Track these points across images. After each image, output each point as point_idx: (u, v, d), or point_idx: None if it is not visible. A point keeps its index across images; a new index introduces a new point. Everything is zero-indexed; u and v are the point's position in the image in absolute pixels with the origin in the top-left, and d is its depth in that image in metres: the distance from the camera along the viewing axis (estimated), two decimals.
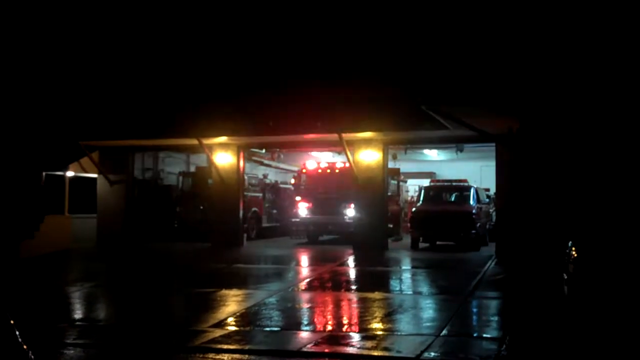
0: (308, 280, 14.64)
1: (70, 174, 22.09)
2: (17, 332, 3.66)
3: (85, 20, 16.96)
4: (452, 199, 22.50)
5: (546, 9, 11.75)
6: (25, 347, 3.66)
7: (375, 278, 14.81)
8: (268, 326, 9.62)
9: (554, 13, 11.66)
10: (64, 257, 19.34)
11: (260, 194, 25.46)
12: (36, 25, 16.75)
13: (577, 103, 12.04)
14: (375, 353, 7.85)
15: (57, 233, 20.40)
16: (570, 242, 9.56)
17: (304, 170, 24.54)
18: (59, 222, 20.87)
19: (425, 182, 25.12)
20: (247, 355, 7.91)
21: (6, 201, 17.85)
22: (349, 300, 12.15)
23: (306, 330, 9.44)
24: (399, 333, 9.05)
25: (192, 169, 26.40)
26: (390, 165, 23.12)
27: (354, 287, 14.17)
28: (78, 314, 11.45)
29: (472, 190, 21.90)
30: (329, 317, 10.82)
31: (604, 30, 11.24)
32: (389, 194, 22.49)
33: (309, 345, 8.27)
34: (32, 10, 16.34)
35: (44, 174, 20.52)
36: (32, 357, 3.70)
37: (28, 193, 19.17)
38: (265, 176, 26.96)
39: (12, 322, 3.67)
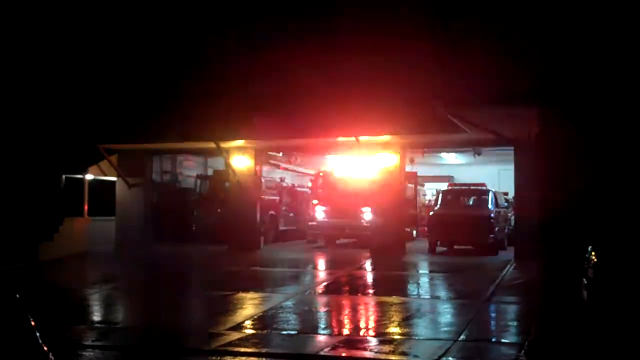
0: (325, 283, 14.62)
1: (89, 176, 22.25)
2: (38, 334, 3.69)
3: (104, 25, 17.10)
4: (470, 202, 22.36)
5: (563, 10, 11.67)
6: (45, 348, 3.69)
7: (392, 282, 14.76)
8: (285, 329, 9.61)
9: (572, 13, 11.57)
10: (83, 260, 19.48)
11: (278, 197, 25.46)
12: (56, 30, 16.92)
13: (596, 107, 11.93)
14: (393, 357, 7.83)
15: (76, 235, 20.54)
16: (590, 246, 9.46)
17: (321, 174, 24.52)
18: (78, 224, 21.02)
19: (443, 186, 25.00)
20: (264, 359, 7.92)
21: (26, 204, 18.02)
22: (366, 304, 12.12)
23: (323, 334, 9.43)
24: (416, 337, 9.01)
25: (210, 172, 26.48)
26: (408, 168, 23.05)
27: (371, 291, 14.14)
28: (97, 316, 11.53)
29: (490, 194, 21.75)
30: (346, 321, 10.80)
31: (626, 33, 11.14)
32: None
33: (326, 349, 8.26)
34: (53, 16, 16.51)
35: (63, 176, 20.69)
36: (52, 358, 3.72)
37: (47, 196, 19.33)
38: (282, 179, 26.97)
39: (32, 323, 3.71)
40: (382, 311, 11.01)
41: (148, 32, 17.39)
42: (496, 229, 20.54)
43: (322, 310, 11.60)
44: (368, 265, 18.19)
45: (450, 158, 29.26)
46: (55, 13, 16.68)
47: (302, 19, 16.18)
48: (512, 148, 18.76)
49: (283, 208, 25.97)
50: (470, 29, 12.61)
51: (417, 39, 13.95)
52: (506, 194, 24.51)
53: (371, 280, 16.00)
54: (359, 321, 10.79)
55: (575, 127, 12.06)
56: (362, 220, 22.40)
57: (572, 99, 11.98)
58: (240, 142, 20.84)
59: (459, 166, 31.44)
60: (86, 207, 21.74)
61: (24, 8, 16.14)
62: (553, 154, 12.53)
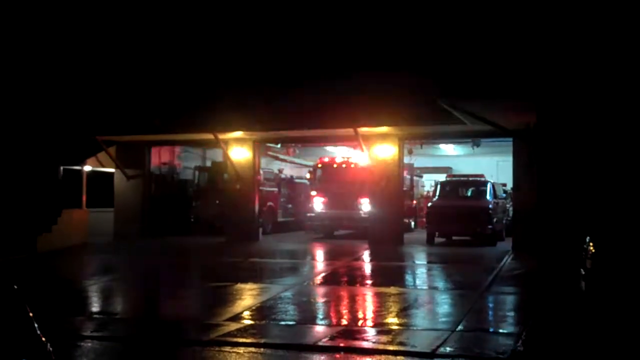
0: (323, 274, 14.65)
1: (87, 168, 22.24)
2: (36, 325, 3.69)
3: (103, 17, 17.05)
4: (469, 194, 22.39)
5: (564, 3, 11.64)
6: (44, 339, 3.69)
7: (390, 273, 14.79)
8: (283, 320, 9.64)
9: (573, 7, 11.55)
10: (81, 251, 19.49)
11: (276, 189, 25.48)
12: (54, 22, 16.87)
13: (595, 97, 11.93)
14: (391, 348, 7.84)
15: (74, 227, 20.55)
16: (588, 237, 9.48)
17: (319, 165, 24.54)
18: (76, 216, 21.03)
19: (442, 177, 25.02)
20: (262, 349, 7.93)
21: (24, 195, 18.01)
22: (364, 294, 12.15)
23: (321, 325, 9.45)
24: (414, 328, 9.04)
25: (208, 163, 26.48)
26: (406, 160, 23.06)
27: (369, 281, 14.16)
28: (95, 307, 11.54)
29: (488, 185, 21.78)
30: (344, 311, 10.82)
31: (623, 24, 11.12)
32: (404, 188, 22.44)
33: (324, 340, 8.28)
34: (51, 8, 16.45)
35: (61, 168, 20.67)
36: (51, 349, 3.73)
37: (46, 187, 19.33)
38: (280, 171, 26.98)
39: (31, 314, 3.71)
40: (380, 302, 11.04)
41: (148, 26, 17.34)
42: (494, 220, 20.57)
43: (320, 301, 11.62)
44: (366, 256, 18.22)
45: (449, 149, 29.28)
46: (54, 8, 16.63)
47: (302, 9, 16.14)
48: (511, 139, 18.75)
49: (281, 199, 26.01)
50: (466, 23, 12.60)
51: (416, 31, 13.93)
52: (504, 185, 24.54)
53: (369, 271, 16.03)
54: (357, 312, 10.81)
55: (574, 118, 12.06)
56: (361, 212, 22.44)
57: (571, 91, 11.97)
58: (238, 134, 20.83)
59: (457, 157, 31.46)
60: (84, 199, 21.73)
61: (24, 1, 16.10)
62: (552, 145, 12.53)
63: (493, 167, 29.06)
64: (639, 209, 10.08)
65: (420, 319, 9.77)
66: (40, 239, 18.35)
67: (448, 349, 7.66)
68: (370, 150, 20.35)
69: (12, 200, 17.43)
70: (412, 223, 25.65)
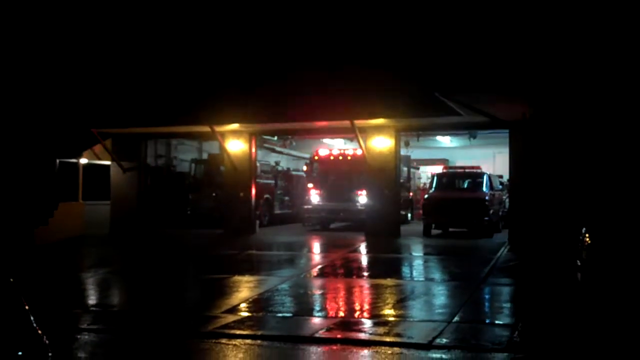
0: (320, 266, 14.66)
1: (83, 161, 22.19)
2: (32, 318, 3.69)
3: (99, 8, 16.98)
4: (465, 185, 22.40)
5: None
6: (40, 332, 3.69)
7: (387, 265, 14.82)
8: (280, 312, 9.65)
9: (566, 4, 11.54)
10: (78, 244, 19.48)
11: (273, 181, 25.48)
12: (51, 15, 16.79)
13: (590, 89, 11.93)
14: (388, 339, 7.87)
15: (71, 220, 20.53)
16: (584, 229, 9.51)
17: (316, 158, 24.53)
18: (72, 209, 20.99)
19: (438, 169, 25.04)
20: (259, 341, 7.94)
21: (20, 188, 17.97)
22: (361, 286, 12.16)
23: (318, 316, 9.47)
24: (411, 319, 9.06)
25: (205, 156, 26.46)
26: (403, 152, 23.06)
27: (366, 273, 14.19)
28: (92, 300, 11.54)
29: (485, 177, 21.80)
30: (341, 303, 10.85)
31: (619, 17, 11.12)
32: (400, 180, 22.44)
33: (321, 331, 8.30)
34: (48, 1, 16.38)
35: (57, 161, 20.62)
36: (47, 342, 3.73)
37: (42, 180, 19.27)
38: (277, 163, 26.97)
39: (27, 307, 3.71)
40: (377, 293, 11.06)
41: (144, 18, 17.28)
42: (491, 211, 20.60)
43: (317, 292, 11.64)
44: (363, 248, 18.24)
45: (446, 141, 29.29)
46: (52, 2, 16.56)
47: None
48: (507, 131, 18.76)
49: (278, 192, 26.01)
50: (463, 15, 12.58)
51: (412, 23, 13.90)
52: (501, 176, 24.57)
53: (366, 263, 16.05)
54: (354, 303, 10.84)
55: (569, 109, 12.07)
56: (357, 204, 22.45)
57: (565, 82, 11.98)
58: (235, 126, 20.79)
59: (454, 149, 31.48)
60: (81, 192, 21.70)
61: None
62: (547, 136, 12.54)
63: (489, 158, 29.09)
64: (634, 201, 10.10)
65: (416, 310, 9.79)
66: (38, 232, 18.31)
67: (444, 340, 7.68)
68: (367, 142, 20.34)
69: (9, 193, 17.39)
70: (409, 215, 25.68)
